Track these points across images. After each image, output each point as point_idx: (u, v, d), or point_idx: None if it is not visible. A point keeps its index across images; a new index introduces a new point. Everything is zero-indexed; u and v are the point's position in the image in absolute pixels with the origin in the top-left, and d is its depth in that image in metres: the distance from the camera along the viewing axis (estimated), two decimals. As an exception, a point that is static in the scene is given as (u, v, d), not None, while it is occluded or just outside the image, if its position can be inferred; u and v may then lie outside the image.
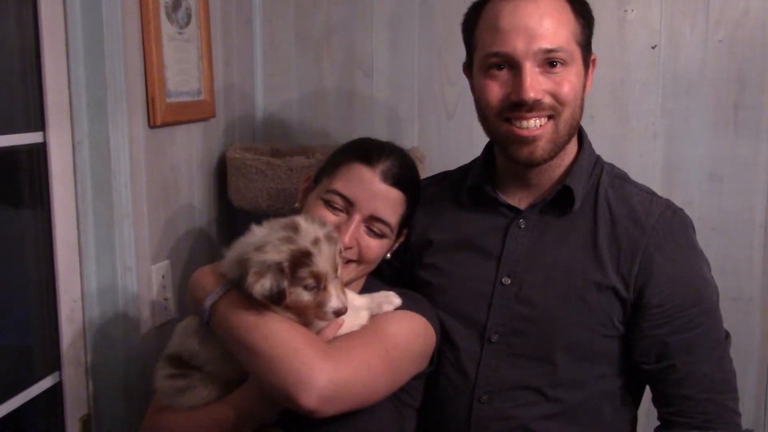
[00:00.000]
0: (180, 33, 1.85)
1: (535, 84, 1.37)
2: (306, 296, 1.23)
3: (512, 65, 1.39)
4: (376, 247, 1.42)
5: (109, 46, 1.58)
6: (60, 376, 1.66)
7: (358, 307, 1.33)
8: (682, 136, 2.13)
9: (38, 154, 1.60)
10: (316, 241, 1.23)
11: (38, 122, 1.58)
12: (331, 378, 1.19)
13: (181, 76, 1.85)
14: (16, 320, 1.71)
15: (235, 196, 2.00)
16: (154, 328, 1.77)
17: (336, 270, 1.25)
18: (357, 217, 1.40)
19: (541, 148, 1.41)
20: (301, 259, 1.21)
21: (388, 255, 1.49)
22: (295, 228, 1.25)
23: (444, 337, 1.48)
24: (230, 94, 2.17)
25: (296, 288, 1.22)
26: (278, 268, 1.19)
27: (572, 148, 1.49)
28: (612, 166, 1.53)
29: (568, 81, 1.39)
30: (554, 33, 1.37)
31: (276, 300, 1.20)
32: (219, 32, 2.08)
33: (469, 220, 1.54)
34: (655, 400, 1.48)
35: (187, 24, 1.88)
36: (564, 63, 1.38)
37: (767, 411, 2.17)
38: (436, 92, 2.22)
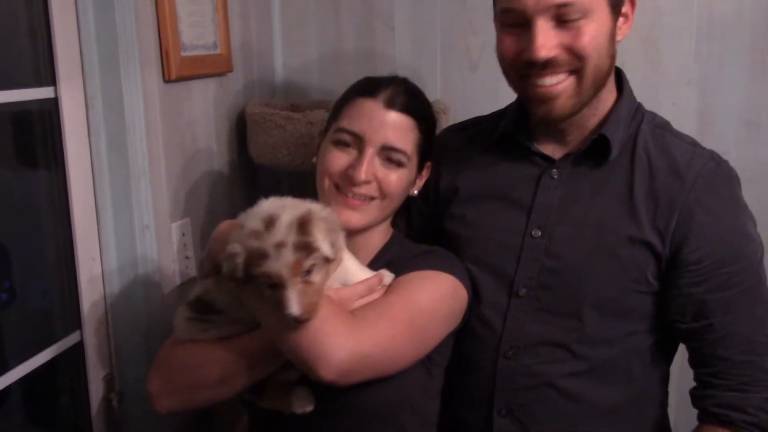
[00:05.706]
0: (193, -16, 1.78)
1: (547, 42, 1.28)
2: None
3: (525, 21, 1.30)
4: (396, 179, 1.39)
5: (119, -5, 1.53)
6: (81, 335, 1.65)
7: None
8: (717, 82, 2.03)
9: (50, 111, 1.56)
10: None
11: (49, 77, 1.54)
12: (353, 351, 1.19)
13: (196, 29, 1.79)
14: (35, 281, 1.69)
15: (255, 151, 1.96)
16: (175, 287, 1.75)
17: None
18: (369, 150, 1.36)
19: (560, 106, 1.34)
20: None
21: (415, 192, 1.46)
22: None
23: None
24: (247, 48, 2.11)
25: None
26: None
27: (610, 95, 1.41)
28: (654, 115, 1.45)
29: (587, 32, 1.29)
30: None
31: None
32: (234, -17, 2.02)
33: (500, 169, 1.48)
34: (691, 360, 1.42)
35: (200, -26, 1.81)
36: (582, 14, 1.28)
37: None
38: (459, 43, 2.14)
